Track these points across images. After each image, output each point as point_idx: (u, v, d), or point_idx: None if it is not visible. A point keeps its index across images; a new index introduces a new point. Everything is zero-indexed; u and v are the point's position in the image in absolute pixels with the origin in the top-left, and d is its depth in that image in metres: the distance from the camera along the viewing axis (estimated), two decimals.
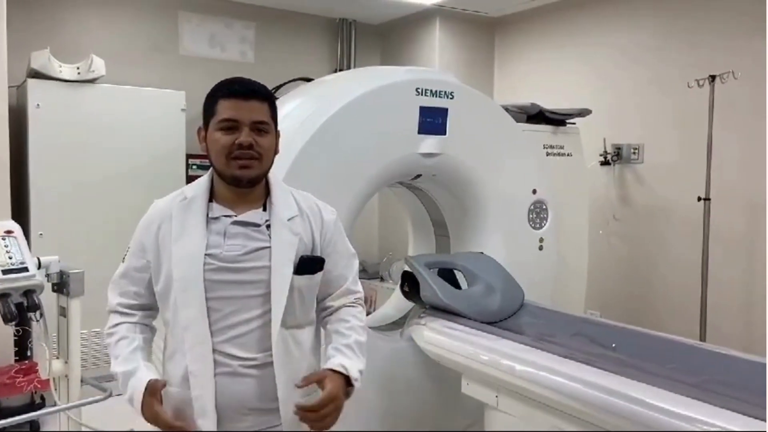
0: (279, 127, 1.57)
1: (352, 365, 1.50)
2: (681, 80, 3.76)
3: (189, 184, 1.59)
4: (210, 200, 1.52)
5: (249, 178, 1.48)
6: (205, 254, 1.46)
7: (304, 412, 1.40)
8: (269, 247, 1.48)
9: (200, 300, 1.44)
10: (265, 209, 1.53)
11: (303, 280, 1.51)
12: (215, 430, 1.44)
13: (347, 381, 1.48)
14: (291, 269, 1.49)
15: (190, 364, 1.44)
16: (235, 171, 1.46)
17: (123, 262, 1.57)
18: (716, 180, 3.58)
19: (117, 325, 1.53)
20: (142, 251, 1.53)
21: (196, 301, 1.44)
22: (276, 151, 1.56)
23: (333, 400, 1.43)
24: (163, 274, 1.49)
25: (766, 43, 3.45)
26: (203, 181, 1.55)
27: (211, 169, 1.54)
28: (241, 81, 1.52)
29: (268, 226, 1.51)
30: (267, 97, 1.52)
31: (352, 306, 1.62)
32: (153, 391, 1.43)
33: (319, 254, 1.56)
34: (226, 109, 1.46)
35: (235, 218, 1.50)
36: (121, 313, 1.55)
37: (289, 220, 1.52)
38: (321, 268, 1.56)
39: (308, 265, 1.53)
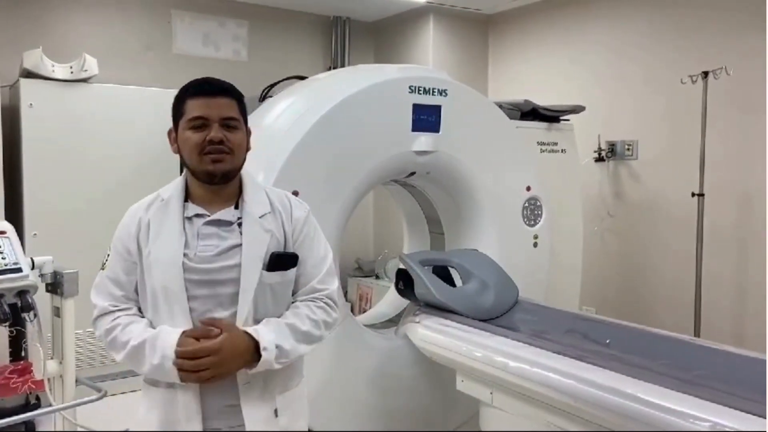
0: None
1: (270, 336, 1.45)
2: (674, 76, 3.77)
3: (165, 186, 1.60)
4: (186, 200, 1.54)
5: (222, 172, 1.49)
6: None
7: (181, 356, 1.39)
8: (241, 244, 1.49)
9: (182, 300, 1.46)
10: (237, 207, 1.54)
11: (275, 276, 1.51)
12: (201, 429, 1.44)
13: (256, 349, 1.43)
14: (260, 266, 1.49)
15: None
16: (208, 166, 1.48)
17: (103, 269, 1.55)
18: (709, 175, 3.59)
19: (115, 318, 1.50)
20: (128, 254, 1.52)
21: (177, 301, 1.46)
22: (247, 148, 1.57)
23: (211, 352, 1.39)
24: (146, 277, 1.50)
25: (761, 39, 3.46)
26: (178, 182, 1.57)
27: (185, 170, 1.56)
28: (208, 80, 1.53)
29: (240, 224, 1.52)
30: (235, 94, 1.54)
31: (312, 301, 1.58)
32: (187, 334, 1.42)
33: (291, 250, 1.56)
34: (194, 107, 1.48)
35: (207, 218, 1.51)
36: (116, 310, 1.52)
37: (261, 217, 1.53)
38: (294, 265, 1.56)
39: (280, 261, 1.52)
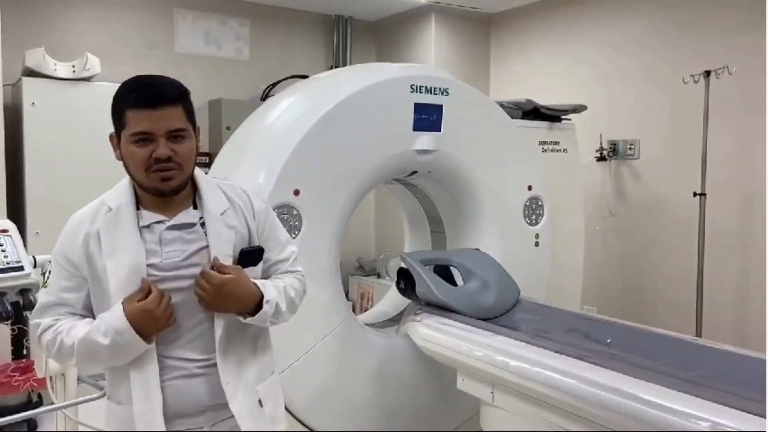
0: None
1: (273, 293, 1.46)
2: (676, 76, 3.77)
3: (107, 193, 1.50)
4: (137, 208, 1.45)
5: (171, 189, 1.42)
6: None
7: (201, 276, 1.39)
8: (207, 245, 1.45)
9: None
10: (196, 207, 1.48)
11: (247, 273, 1.48)
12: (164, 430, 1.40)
13: (257, 301, 1.44)
14: (230, 264, 1.46)
15: (135, 378, 1.40)
16: (157, 184, 1.40)
17: (45, 286, 1.48)
18: (711, 175, 3.59)
19: (57, 328, 1.41)
20: (74, 268, 1.43)
21: None
22: (197, 151, 1.48)
23: (223, 284, 1.38)
24: (101, 291, 1.42)
25: (763, 38, 3.46)
26: (125, 188, 1.47)
27: (129, 176, 1.47)
28: (149, 85, 1.40)
29: (203, 224, 1.47)
30: (179, 98, 1.41)
31: (291, 274, 1.59)
32: (128, 299, 1.36)
33: (256, 243, 1.54)
34: (137, 121, 1.36)
35: (168, 223, 1.44)
36: (57, 321, 1.43)
37: (221, 214, 1.48)
38: (261, 258, 1.54)
39: (249, 257, 1.50)
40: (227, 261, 1.45)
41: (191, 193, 1.50)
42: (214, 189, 1.52)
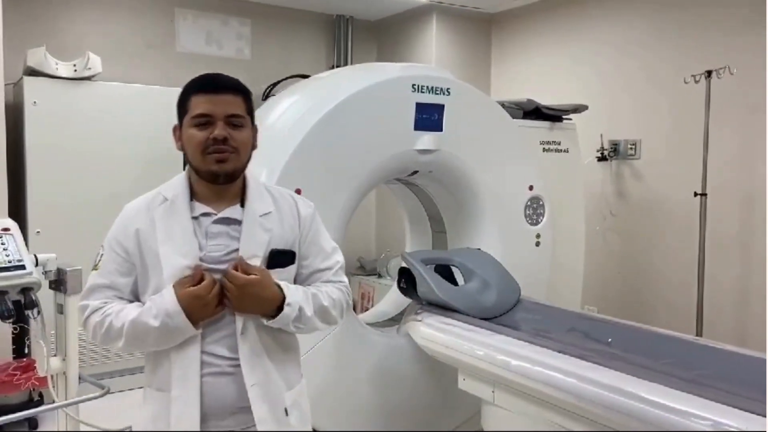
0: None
1: (297, 296, 1.47)
2: (677, 76, 3.77)
3: (165, 184, 1.55)
4: (191, 199, 1.50)
5: (226, 172, 1.46)
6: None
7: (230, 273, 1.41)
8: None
9: None
10: (243, 205, 1.51)
11: (274, 274, 1.48)
12: (198, 430, 1.42)
13: (280, 303, 1.44)
14: (257, 265, 1.46)
15: (176, 366, 1.43)
16: (212, 166, 1.44)
17: (96, 269, 1.51)
18: (712, 175, 3.59)
19: (106, 310, 1.45)
20: (125, 254, 1.48)
21: None
22: (254, 146, 1.53)
23: (246, 284, 1.40)
24: (152, 278, 1.46)
25: (762, 38, 3.46)
26: (181, 180, 1.53)
27: (187, 167, 1.52)
28: (213, 76, 1.49)
29: None
30: (241, 90, 1.50)
31: (332, 284, 1.58)
32: (179, 283, 1.40)
33: (296, 249, 1.54)
34: (199, 104, 1.44)
35: (215, 216, 1.48)
36: (105, 304, 1.47)
37: (262, 216, 1.50)
38: (292, 261, 1.54)
39: (278, 258, 1.50)
40: (255, 262, 1.46)
41: (241, 192, 1.53)
42: (260, 190, 1.55)
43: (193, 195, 1.51)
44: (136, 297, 1.49)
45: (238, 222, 1.48)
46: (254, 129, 1.54)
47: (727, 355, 2.05)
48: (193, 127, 1.45)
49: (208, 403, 1.43)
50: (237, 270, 1.42)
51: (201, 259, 1.44)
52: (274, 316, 1.45)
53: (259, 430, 1.44)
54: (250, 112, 1.52)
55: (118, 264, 1.48)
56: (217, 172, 1.45)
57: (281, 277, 1.51)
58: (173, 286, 1.40)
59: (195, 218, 1.47)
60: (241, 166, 1.50)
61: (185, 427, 1.41)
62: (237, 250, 1.46)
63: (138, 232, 1.47)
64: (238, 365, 1.44)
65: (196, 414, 1.41)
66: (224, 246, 1.46)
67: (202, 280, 1.40)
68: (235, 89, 1.48)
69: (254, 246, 1.47)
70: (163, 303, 1.39)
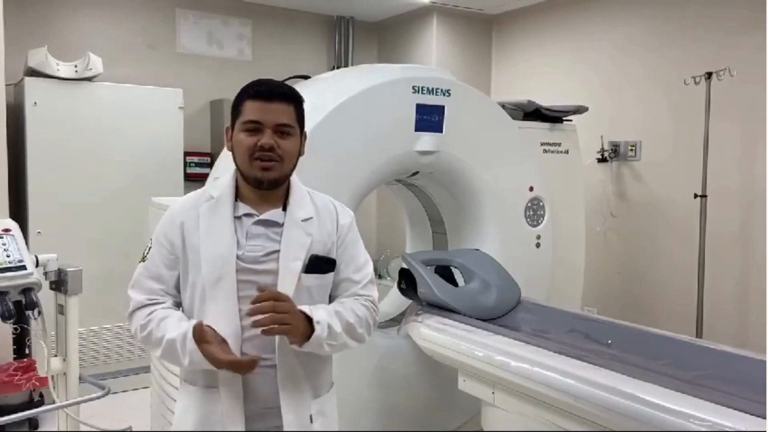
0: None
1: (321, 314, 1.45)
2: (678, 77, 3.77)
3: (213, 184, 1.60)
4: (236, 199, 1.54)
5: (269, 180, 1.49)
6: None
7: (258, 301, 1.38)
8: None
9: (232, 298, 1.45)
10: (285, 209, 1.54)
11: (312, 279, 1.51)
12: (244, 430, 1.44)
13: (308, 324, 1.43)
14: (298, 270, 1.48)
15: None
16: (257, 173, 1.48)
17: (144, 261, 1.55)
18: (713, 177, 3.59)
19: (150, 313, 1.49)
20: (171, 247, 1.52)
21: (228, 298, 1.45)
22: (300, 153, 1.56)
23: (279, 307, 1.37)
24: (191, 272, 1.50)
25: (762, 39, 3.46)
26: (228, 181, 1.57)
27: (235, 169, 1.55)
28: (268, 82, 1.52)
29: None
30: (293, 99, 1.52)
31: (356, 299, 1.57)
32: (200, 336, 1.39)
33: (334, 256, 1.56)
34: (250, 110, 1.48)
35: (257, 218, 1.51)
36: (152, 304, 1.51)
37: (303, 220, 1.53)
38: (332, 269, 1.56)
39: (318, 264, 1.52)
40: (296, 265, 1.48)
41: (285, 195, 1.56)
42: (303, 195, 1.58)
43: (238, 196, 1.54)
44: (179, 291, 1.54)
45: (279, 225, 1.51)
46: (303, 136, 1.57)
47: (725, 356, 2.05)
48: (243, 132, 1.48)
49: (248, 400, 1.46)
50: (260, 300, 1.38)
51: (240, 258, 1.47)
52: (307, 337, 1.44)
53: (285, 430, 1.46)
54: (300, 120, 1.54)
55: (163, 257, 1.52)
56: (261, 179, 1.48)
57: (320, 283, 1.53)
58: (194, 330, 1.39)
59: (237, 218, 1.51)
60: (286, 173, 1.53)
61: (232, 427, 1.44)
62: (276, 251, 1.49)
63: (183, 225, 1.52)
64: (270, 366, 1.46)
65: (241, 413, 1.45)
66: (262, 247, 1.49)
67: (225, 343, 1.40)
68: (288, 98, 1.51)
69: (295, 248, 1.49)
70: (188, 344, 1.40)
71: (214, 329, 1.41)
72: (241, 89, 1.53)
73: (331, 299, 1.59)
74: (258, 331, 1.39)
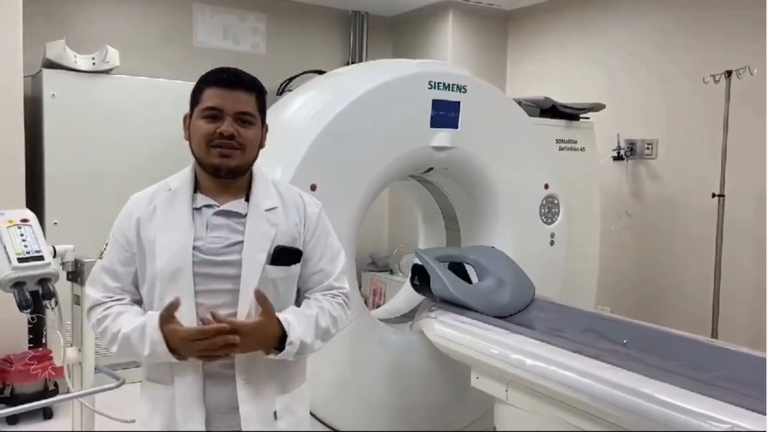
0: (268, 120, 1.53)
1: (298, 331, 1.41)
2: (696, 75, 3.73)
3: (172, 176, 1.54)
4: (195, 191, 1.49)
5: (228, 168, 1.44)
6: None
7: (213, 319, 1.34)
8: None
9: (189, 292, 1.40)
10: (248, 199, 1.49)
11: (277, 271, 1.46)
12: (203, 429, 1.40)
13: (281, 338, 1.40)
14: (263, 261, 1.43)
15: (177, 362, 1.40)
16: (214, 160, 1.43)
17: (101, 258, 1.51)
18: (731, 176, 3.55)
19: (106, 308, 1.45)
20: (126, 243, 1.48)
21: (184, 293, 1.39)
22: (261, 145, 1.51)
23: (243, 334, 1.33)
24: (149, 267, 1.45)
25: None
26: (187, 172, 1.52)
27: (194, 161, 1.51)
28: (229, 70, 1.48)
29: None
30: (256, 88, 1.48)
31: (332, 297, 1.54)
32: (166, 320, 1.35)
33: (301, 247, 1.51)
34: (210, 97, 1.43)
35: (217, 208, 1.46)
36: (108, 301, 1.47)
37: (267, 210, 1.48)
38: (297, 260, 1.50)
39: (284, 255, 1.47)
40: (261, 256, 1.43)
41: (247, 187, 1.51)
42: (267, 185, 1.53)
43: (198, 187, 1.50)
44: (137, 288, 1.50)
45: (241, 215, 1.46)
46: (264, 128, 1.52)
47: (743, 357, 2.03)
48: (202, 118, 1.44)
49: (208, 398, 1.42)
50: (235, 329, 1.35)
51: (199, 249, 1.42)
52: (276, 348, 1.41)
53: (243, 430, 1.42)
54: (262, 111, 1.50)
55: (119, 253, 1.48)
56: (219, 166, 1.43)
57: (286, 275, 1.49)
58: (159, 316, 1.35)
59: (197, 209, 1.46)
60: (246, 163, 1.48)
61: (191, 426, 1.40)
62: (238, 243, 1.44)
63: (138, 220, 1.47)
64: (232, 364, 1.43)
65: (201, 413, 1.41)
66: (224, 238, 1.44)
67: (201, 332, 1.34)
68: (250, 87, 1.47)
69: (259, 239, 1.44)
70: (151, 330, 1.36)
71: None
72: (201, 77, 1.49)
73: (302, 292, 1.55)
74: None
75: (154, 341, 1.36)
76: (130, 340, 1.39)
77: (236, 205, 1.47)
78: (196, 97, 1.48)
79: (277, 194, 1.53)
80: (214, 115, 1.43)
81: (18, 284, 1.92)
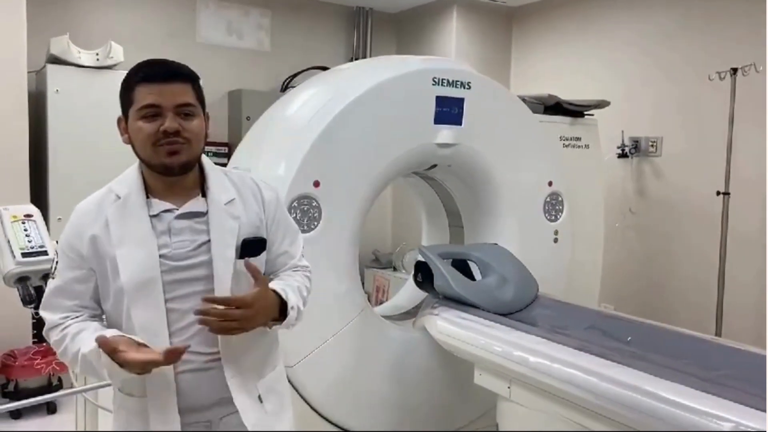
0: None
1: (292, 296, 1.44)
2: (701, 72, 3.72)
3: (115, 180, 1.47)
4: (147, 196, 1.42)
5: (179, 165, 1.38)
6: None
7: (207, 304, 1.31)
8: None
9: (159, 304, 1.36)
10: (204, 195, 1.45)
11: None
12: (179, 430, 1.39)
13: (282, 310, 1.42)
14: (233, 256, 1.42)
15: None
16: (164, 159, 1.36)
17: (53, 278, 1.42)
18: (736, 174, 3.54)
19: (65, 328, 1.38)
20: (81, 260, 1.39)
21: (154, 305, 1.36)
22: (206, 135, 1.45)
23: (247, 305, 1.33)
24: (112, 283, 1.38)
25: None
26: (133, 176, 1.44)
27: (138, 161, 1.44)
28: (159, 62, 1.40)
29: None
30: (190, 77, 1.41)
31: (304, 276, 1.58)
32: (107, 349, 1.25)
33: (264, 235, 1.50)
34: (145, 95, 1.35)
35: (178, 212, 1.41)
36: (66, 320, 1.40)
37: (227, 203, 1.45)
38: (264, 248, 1.50)
39: (250, 247, 1.45)
40: (230, 253, 1.41)
41: (199, 181, 1.47)
42: (221, 177, 1.49)
43: (148, 191, 1.43)
44: (98, 303, 1.43)
45: (202, 214, 1.42)
46: (206, 117, 1.45)
47: (747, 355, 2.02)
48: (141, 119, 1.36)
49: (185, 401, 1.40)
50: (231, 302, 1.33)
51: (166, 257, 1.37)
52: (278, 318, 1.43)
53: (243, 419, 1.43)
54: (201, 100, 1.43)
55: (73, 270, 1.40)
56: (170, 165, 1.37)
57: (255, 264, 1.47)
58: (98, 345, 1.25)
59: (156, 216, 1.40)
60: (195, 156, 1.42)
61: (169, 428, 1.38)
62: (205, 243, 1.40)
63: (94, 238, 1.38)
64: (214, 359, 1.41)
65: (176, 419, 1.38)
66: (190, 241, 1.40)
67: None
68: (185, 77, 1.39)
69: (225, 235, 1.42)
70: (102, 357, 1.27)
71: (124, 335, 1.31)
72: (128, 73, 1.41)
73: (268, 275, 1.53)
74: (192, 331, 1.36)
75: (107, 363, 1.28)
76: (90, 362, 1.33)
77: (195, 204, 1.43)
78: (127, 97, 1.40)
79: (231, 185, 1.49)
80: (154, 113, 1.35)
81: (22, 279, 1.93)
